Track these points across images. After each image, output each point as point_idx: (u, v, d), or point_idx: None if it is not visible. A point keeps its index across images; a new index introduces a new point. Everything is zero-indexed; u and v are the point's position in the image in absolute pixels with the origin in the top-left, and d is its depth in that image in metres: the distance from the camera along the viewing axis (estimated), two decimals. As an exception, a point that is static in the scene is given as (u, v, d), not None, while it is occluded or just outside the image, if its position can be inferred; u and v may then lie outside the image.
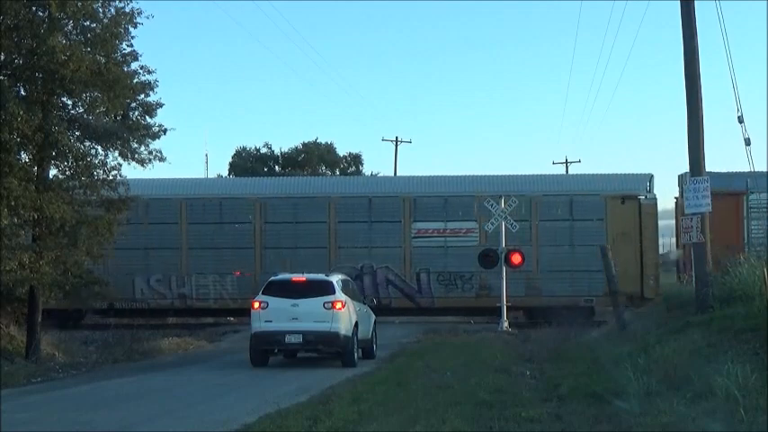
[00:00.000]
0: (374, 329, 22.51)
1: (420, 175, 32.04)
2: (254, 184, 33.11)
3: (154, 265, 30.11)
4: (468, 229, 29.53)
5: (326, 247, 29.79)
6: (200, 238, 30.16)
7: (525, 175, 31.21)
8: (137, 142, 21.78)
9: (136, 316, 30.29)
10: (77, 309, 30.04)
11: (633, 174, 30.38)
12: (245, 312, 28.12)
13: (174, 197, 30.43)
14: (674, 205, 31.04)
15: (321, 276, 20.98)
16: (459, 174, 32.41)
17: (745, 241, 27.03)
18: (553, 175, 31.16)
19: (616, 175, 30.72)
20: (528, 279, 28.97)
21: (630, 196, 29.21)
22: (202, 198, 30.60)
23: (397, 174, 53.81)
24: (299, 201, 30.16)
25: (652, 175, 29.92)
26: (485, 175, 30.80)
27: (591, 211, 29.14)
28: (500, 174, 31.50)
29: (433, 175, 31.87)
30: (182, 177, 32.83)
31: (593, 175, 31.44)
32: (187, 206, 30.27)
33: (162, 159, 22.24)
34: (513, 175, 31.20)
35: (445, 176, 31.59)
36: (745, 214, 27.88)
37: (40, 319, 21.10)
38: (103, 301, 26.94)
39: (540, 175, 31.81)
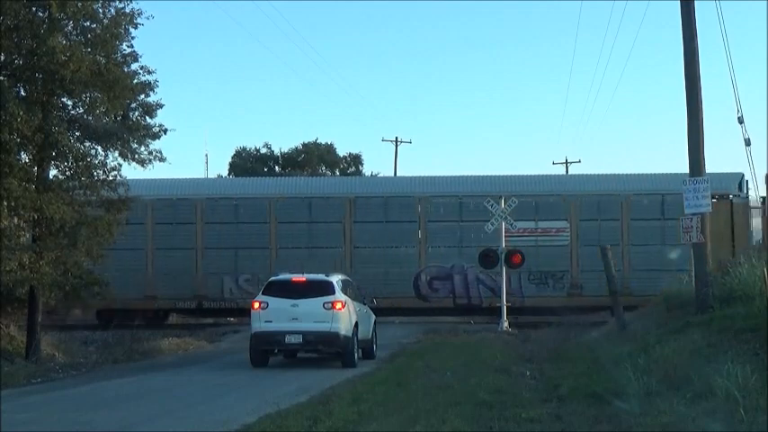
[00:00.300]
0: (374, 330, 22.52)
1: (509, 174, 32.19)
2: (344, 183, 33.06)
3: (243, 265, 30.35)
4: (559, 228, 29.73)
5: (416, 247, 29.98)
6: (290, 237, 30.38)
7: (616, 175, 31.33)
8: (137, 143, 21.80)
9: (224, 315, 30.60)
10: (163, 309, 30.90)
11: (724, 173, 29.88)
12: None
13: (264, 197, 30.84)
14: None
15: (321, 276, 20.99)
16: (548, 173, 32.46)
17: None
18: (644, 174, 30.96)
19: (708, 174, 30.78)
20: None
21: (722, 195, 29.04)
22: (292, 198, 30.83)
23: (398, 173, 53.97)
24: (389, 200, 30.25)
25: (743, 175, 29.58)
26: (575, 175, 30.81)
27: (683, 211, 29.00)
28: (594, 173, 31.63)
29: (522, 174, 32.10)
30: (271, 177, 33.13)
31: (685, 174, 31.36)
32: (276, 206, 30.57)
33: (162, 160, 22.29)
34: (604, 175, 31.45)
35: (536, 176, 31.94)
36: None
37: (39, 320, 21.10)
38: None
39: (632, 175, 31.59)
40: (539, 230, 29.81)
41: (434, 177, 32.09)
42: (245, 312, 29.31)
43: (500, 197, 27.99)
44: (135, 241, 29.84)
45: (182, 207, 30.88)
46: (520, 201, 27.96)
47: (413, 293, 30.07)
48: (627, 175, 31.45)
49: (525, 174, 32.23)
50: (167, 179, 31.69)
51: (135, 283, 30.08)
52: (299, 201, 30.73)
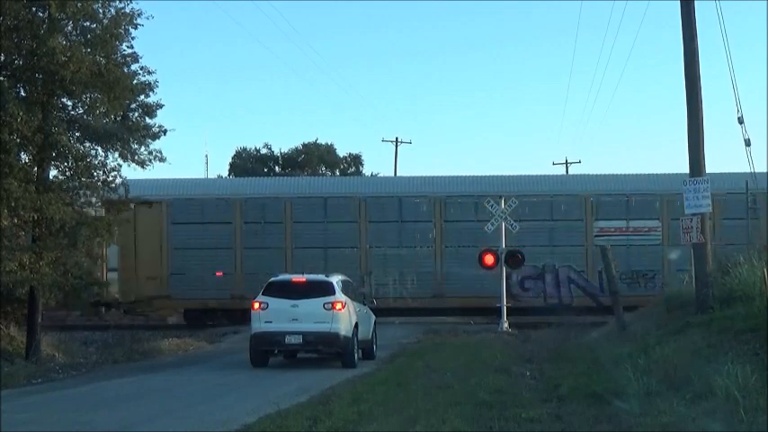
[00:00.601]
0: (374, 330, 22.52)
1: (601, 173, 32.19)
2: (433, 182, 32.92)
3: (333, 264, 30.33)
4: (651, 227, 29.65)
5: (506, 246, 29.89)
6: (381, 236, 30.45)
7: (711, 174, 30.99)
8: (137, 143, 21.79)
9: None
10: (240, 309, 30.54)
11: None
12: (422, 312, 28.33)
13: (354, 195, 30.95)
14: None
15: (321, 277, 21.00)
16: (641, 172, 32.33)
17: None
18: (737, 173, 30.89)
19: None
20: None
21: None
22: (382, 197, 30.83)
23: (395, 173, 53.97)
24: (479, 200, 30.01)
25: None
26: (670, 174, 30.44)
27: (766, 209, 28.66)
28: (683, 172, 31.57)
29: (614, 173, 31.99)
30: (360, 176, 33.11)
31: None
32: (367, 205, 30.67)
33: (162, 160, 22.30)
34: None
35: (627, 175, 31.80)
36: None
37: (40, 320, 21.11)
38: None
39: (726, 174, 30.73)
40: (630, 229, 29.70)
41: (523, 176, 32.00)
42: None
43: (587, 196, 28.20)
44: (224, 240, 30.17)
45: (270, 206, 30.94)
46: (610, 199, 27.74)
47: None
48: (720, 173, 31.10)
49: (617, 173, 32.02)
50: (256, 179, 31.88)
51: (223, 282, 30.26)
52: (387, 200, 30.74)
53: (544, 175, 32.32)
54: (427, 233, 30.31)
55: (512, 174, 32.60)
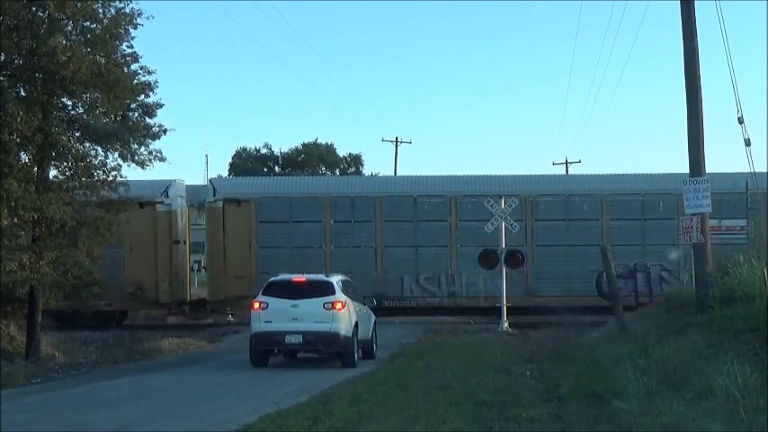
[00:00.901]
0: (374, 330, 22.52)
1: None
2: (523, 180, 32.78)
3: (423, 264, 30.36)
4: (742, 226, 29.52)
5: (598, 245, 29.87)
6: (469, 235, 30.30)
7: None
8: (137, 143, 21.77)
9: (404, 314, 30.49)
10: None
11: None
12: (512, 311, 28.25)
13: (444, 195, 30.84)
14: None
15: (321, 277, 21.02)
16: (730, 171, 32.12)
17: None
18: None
19: None
20: None
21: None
22: (473, 196, 30.62)
23: (399, 172, 53.95)
24: (569, 198, 30.08)
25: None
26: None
27: None
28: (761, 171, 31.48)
29: (717, 172, 31.66)
30: (452, 174, 33.02)
31: None
32: (458, 204, 30.60)
33: (162, 160, 22.26)
34: None
35: (719, 173, 31.36)
36: None
37: (39, 320, 21.10)
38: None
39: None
40: (722, 228, 29.59)
41: (617, 175, 31.81)
42: (422, 311, 29.60)
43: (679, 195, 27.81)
44: (313, 239, 30.37)
45: (361, 205, 30.91)
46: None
47: (594, 292, 29.67)
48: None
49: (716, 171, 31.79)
50: (345, 177, 31.85)
51: None
52: (478, 198, 30.21)
53: (637, 174, 31.91)
54: (520, 232, 29.97)
55: (610, 173, 32.24)
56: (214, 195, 31.13)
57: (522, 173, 33.58)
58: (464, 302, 30.27)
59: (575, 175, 31.48)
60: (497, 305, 28.42)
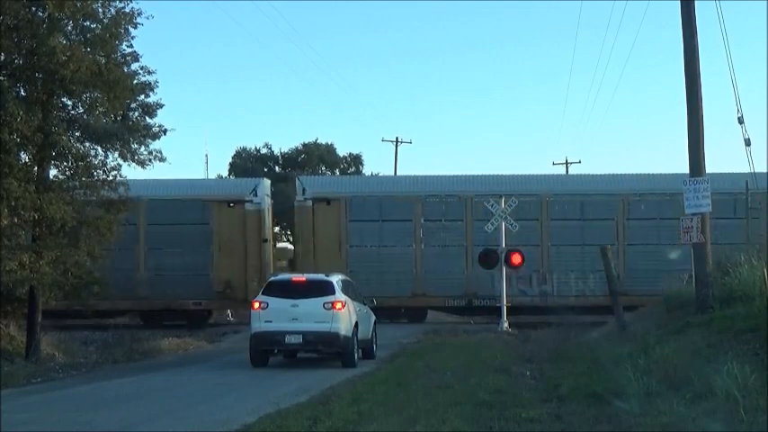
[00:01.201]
0: (374, 329, 22.51)
1: None
2: (615, 179, 32.62)
3: None
4: None
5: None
6: (561, 234, 30.36)
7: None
8: (137, 143, 21.78)
9: (495, 313, 30.23)
10: (431, 306, 31.22)
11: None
12: (603, 310, 27.72)
13: (538, 194, 30.82)
14: None
15: (321, 276, 20.99)
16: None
17: None
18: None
19: None
20: None
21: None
22: (566, 195, 30.67)
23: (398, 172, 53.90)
24: (662, 198, 29.77)
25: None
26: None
27: None
28: None
29: None
30: (544, 174, 32.91)
31: None
32: (549, 204, 30.61)
33: (162, 160, 22.27)
34: None
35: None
36: None
37: (39, 319, 21.10)
38: None
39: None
40: None
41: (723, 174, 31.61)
42: (513, 311, 29.30)
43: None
44: (405, 238, 30.34)
45: (452, 204, 30.88)
46: None
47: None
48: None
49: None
50: (435, 176, 31.96)
51: (404, 280, 30.33)
52: (569, 198, 30.61)
53: (731, 174, 31.71)
54: (612, 230, 30.09)
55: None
56: (303, 194, 31.22)
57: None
58: (555, 302, 29.96)
59: (675, 174, 30.69)
60: (586, 305, 28.56)
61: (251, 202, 31.13)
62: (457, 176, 32.81)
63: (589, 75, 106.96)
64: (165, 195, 31.40)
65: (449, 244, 30.64)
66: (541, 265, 30.43)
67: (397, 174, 52.68)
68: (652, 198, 30.35)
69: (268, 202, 32.39)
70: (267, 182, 33.16)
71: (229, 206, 30.72)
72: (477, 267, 29.63)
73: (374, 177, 33.68)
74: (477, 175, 32.62)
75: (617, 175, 32.48)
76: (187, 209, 31.14)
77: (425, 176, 32.35)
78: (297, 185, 32.20)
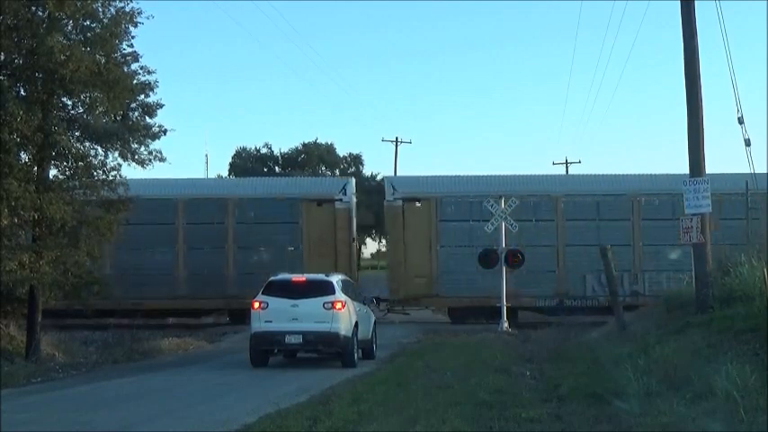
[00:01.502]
0: (374, 330, 22.52)
1: None
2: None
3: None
4: None
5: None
6: (652, 233, 30.20)
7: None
8: (137, 143, 21.78)
9: (584, 313, 29.96)
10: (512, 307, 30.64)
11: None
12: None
13: (626, 194, 30.71)
14: None
15: (321, 276, 21.00)
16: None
17: None
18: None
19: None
20: None
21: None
22: (655, 194, 30.51)
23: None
24: (727, 197, 29.16)
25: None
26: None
27: None
28: None
29: None
30: (633, 174, 32.77)
31: None
32: (641, 204, 30.54)
33: (162, 160, 22.27)
34: None
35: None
36: None
37: (39, 319, 21.10)
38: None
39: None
40: None
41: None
42: (605, 311, 28.65)
43: None
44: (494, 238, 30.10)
45: (542, 204, 30.87)
46: None
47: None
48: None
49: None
50: (525, 175, 31.94)
51: (490, 280, 29.98)
52: (659, 197, 30.39)
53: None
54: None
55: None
56: (393, 194, 31.24)
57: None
58: (647, 301, 29.35)
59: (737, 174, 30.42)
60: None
61: (340, 200, 31.25)
62: (544, 176, 32.76)
63: (589, 75, 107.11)
64: (252, 194, 31.68)
65: (539, 243, 30.41)
66: (633, 265, 30.38)
67: (398, 173, 52.78)
68: (738, 199, 29.52)
69: (354, 200, 32.55)
70: (354, 181, 33.37)
71: (318, 205, 30.81)
72: (569, 267, 30.07)
73: (462, 176, 33.44)
74: (563, 175, 32.22)
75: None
76: (276, 208, 31.29)
77: (513, 176, 32.10)
78: (386, 185, 32.25)
